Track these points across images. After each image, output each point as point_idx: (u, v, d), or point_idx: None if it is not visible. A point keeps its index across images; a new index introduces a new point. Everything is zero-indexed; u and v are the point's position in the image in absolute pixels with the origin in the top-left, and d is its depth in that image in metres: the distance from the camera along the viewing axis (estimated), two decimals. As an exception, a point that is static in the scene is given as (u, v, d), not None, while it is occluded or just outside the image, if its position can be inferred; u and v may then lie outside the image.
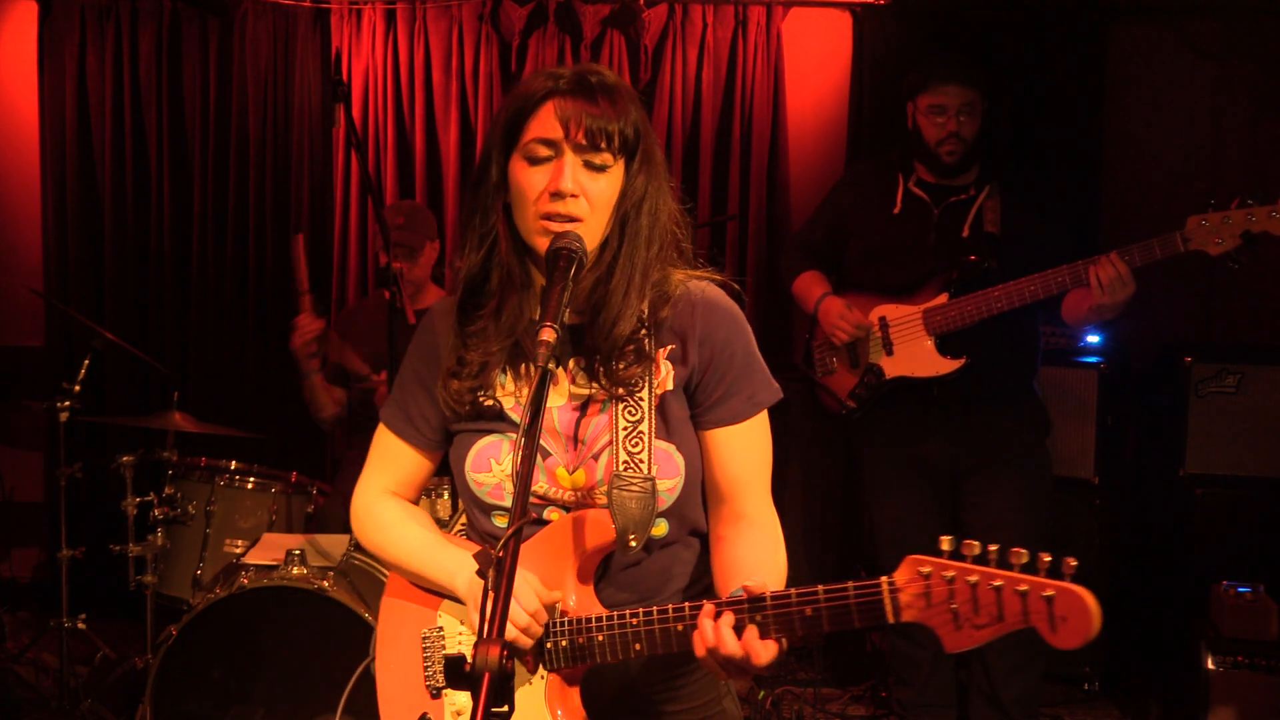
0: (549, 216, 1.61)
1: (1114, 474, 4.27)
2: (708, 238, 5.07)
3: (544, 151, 1.62)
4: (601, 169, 1.63)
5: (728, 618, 1.51)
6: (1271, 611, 3.66)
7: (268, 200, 5.02)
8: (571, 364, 1.73)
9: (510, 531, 1.37)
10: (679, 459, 1.70)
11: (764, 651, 1.50)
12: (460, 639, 1.76)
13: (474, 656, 1.28)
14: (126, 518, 3.78)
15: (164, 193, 5.01)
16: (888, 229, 3.57)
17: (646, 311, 1.70)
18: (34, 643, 4.25)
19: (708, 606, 1.53)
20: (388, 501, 1.87)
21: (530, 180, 1.63)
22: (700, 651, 1.52)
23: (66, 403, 3.86)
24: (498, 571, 1.35)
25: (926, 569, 1.40)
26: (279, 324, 5.05)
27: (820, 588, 1.47)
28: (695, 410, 1.74)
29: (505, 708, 1.27)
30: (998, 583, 1.36)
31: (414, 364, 1.82)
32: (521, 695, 1.66)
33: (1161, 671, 4.19)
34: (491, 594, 1.34)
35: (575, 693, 1.67)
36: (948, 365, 3.43)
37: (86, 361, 3.94)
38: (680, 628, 1.57)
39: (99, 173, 5.01)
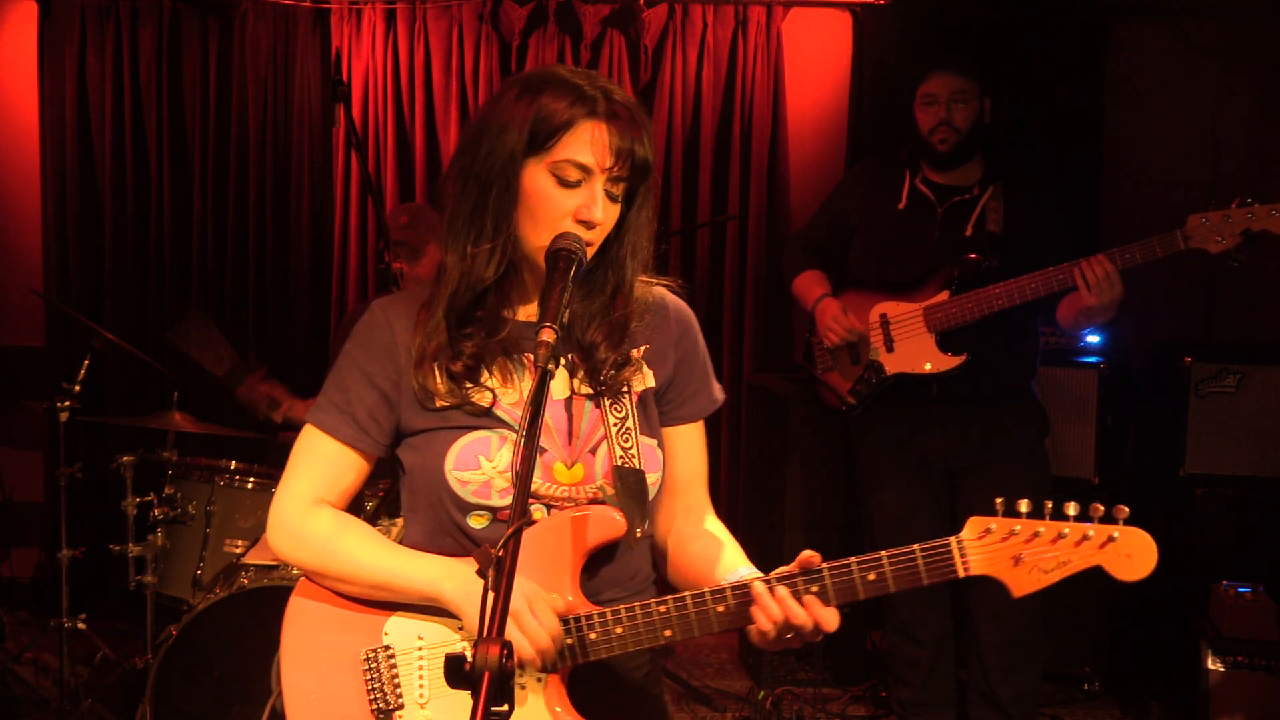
0: (564, 233, 1.62)
1: (1114, 474, 4.27)
2: (708, 237, 5.08)
3: (576, 175, 1.61)
4: (616, 199, 1.66)
5: (782, 590, 1.57)
6: (1271, 611, 3.66)
7: (268, 200, 5.02)
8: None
9: (511, 531, 1.37)
10: (660, 454, 1.76)
11: (831, 618, 1.56)
12: (420, 654, 1.70)
13: (474, 655, 1.28)
14: (126, 518, 3.78)
15: (164, 193, 5.01)
16: (892, 224, 3.58)
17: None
18: (34, 643, 4.25)
19: (758, 584, 1.58)
20: (324, 512, 1.73)
21: (557, 201, 1.62)
22: (765, 625, 1.56)
23: (66, 403, 3.85)
24: (498, 571, 1.35)
25: (992, 525, 1.55)
26: (279, 324, 5.05)
27: (884, 553, 1.57)
28: (665, 408, 1.80)
29: (505, 707, 1.27)
30: (1065, 530, 1.53)
31: (359, 363, 1.73)
32: (519, 698, 1.65)
33: (1161, 671, 4.19)
34: (491, 593, 1.34)
35: (565, 691, 1.67)
36: (948, 362, 3.43)
37: (86, 361, 3.93)
38: (721, 609, 1.60)
39: (99, 173, 5.01)
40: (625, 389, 1.72)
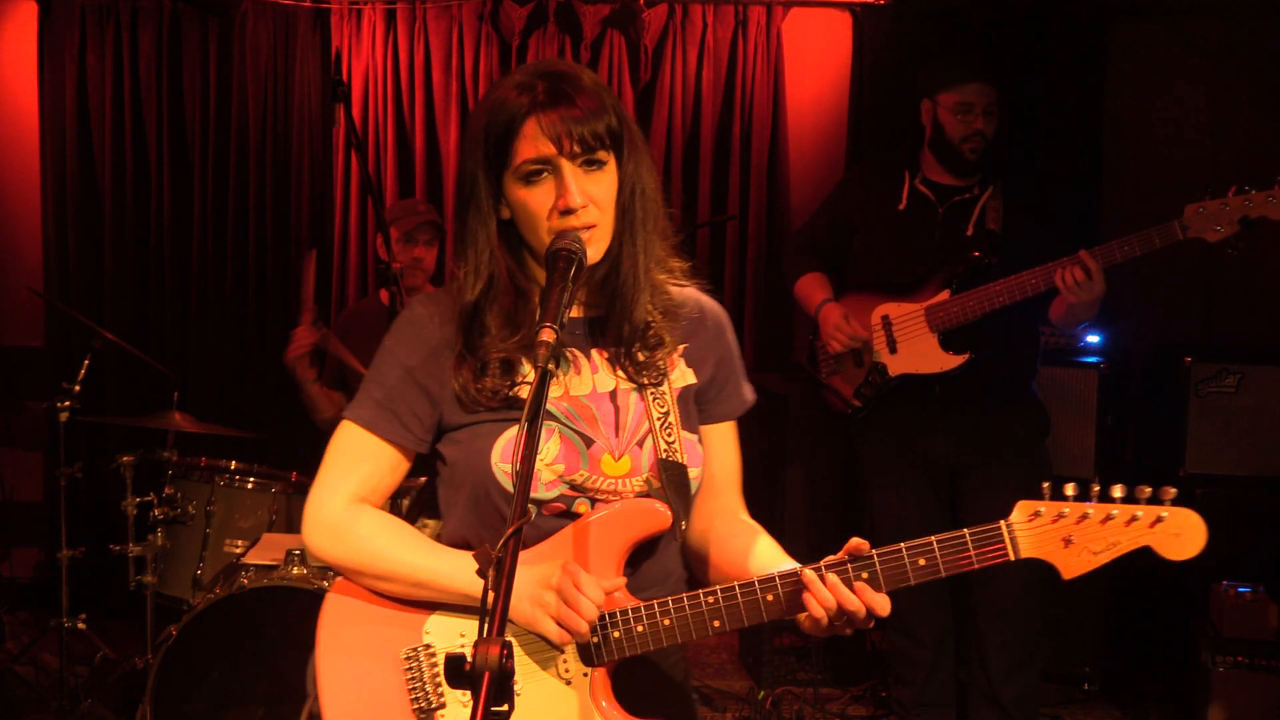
0: (564, 233, 1.62)
1: (1114, 474, 4.25)
2: (708, 237, 5.08)
3: (538, 168, 1.62)
4: (600, 165, 1.64)
5: (833, 577, 1.58)
6: (1271, 611, 3.66)
7: (268, 200, 5.02)
8: (596, 355, 1.75)
9: (510, 530, 1.36)
10: (700, 449, 1.77)
11: (883, 603, 1.57)
12: (462, 651, 1.68)
13: (473, 655, 1.28)
14: (126, 518, 3.77)
15: (164, 193, 5.01)
16: (892, 225, 3.58)
17: (656, 298, 1.75)
18: (34, 643, 4.25)
19: (808, 572, 1.58)
20: (364, 510, 1.73)
21: (535, 201, 1.63)
22: (818, 612, 1.57)
23: (66, 403, 3.85)
24: (498, 571, 1.35)
25: (1041, 508, 1.57)
26: (279, 323, 5.05)
27: (933, 539, 1.58)
28: (704, 406, 1.80)
29: (505, 707, 1.27)
30: (1114, 511, 1.56)
31: (401, 358, 1.73)
32: (563, 693, 1.65)
33: (1161, 671, 4.19)
34: (491, 593, 1.34)
35: (610, 685, 1.67)
36: (951, 361, 3.43)
37: (86, 361, 3.94)
38: (770, 597, 1.61)
39: (99, 173, 5.01)
40: (661, 379, 1.74)
